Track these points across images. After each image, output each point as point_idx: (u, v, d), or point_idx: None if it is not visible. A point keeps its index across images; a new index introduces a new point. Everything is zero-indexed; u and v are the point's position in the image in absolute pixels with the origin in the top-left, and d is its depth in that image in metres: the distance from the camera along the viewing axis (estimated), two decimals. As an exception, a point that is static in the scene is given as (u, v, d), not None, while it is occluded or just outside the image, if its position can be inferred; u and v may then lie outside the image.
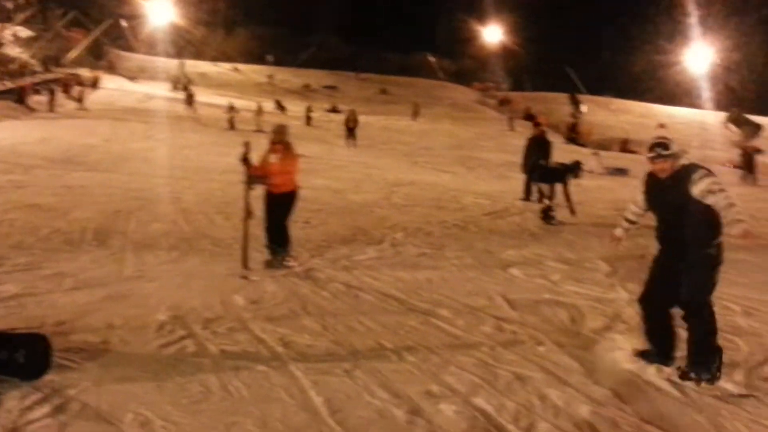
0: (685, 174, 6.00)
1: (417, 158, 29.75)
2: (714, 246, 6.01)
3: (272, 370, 6.01)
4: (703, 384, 5.89)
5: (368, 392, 5.63)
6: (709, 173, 5.96)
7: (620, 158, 37.14)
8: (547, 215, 14.62)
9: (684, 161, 6.11)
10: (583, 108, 60.61)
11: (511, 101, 71.67)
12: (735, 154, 37.97)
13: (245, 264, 9.47)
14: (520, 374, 6.07)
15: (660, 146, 6.09)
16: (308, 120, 46.35)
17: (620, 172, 28.62)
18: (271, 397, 5.46)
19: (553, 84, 76.65)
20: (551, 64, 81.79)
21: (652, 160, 6.14)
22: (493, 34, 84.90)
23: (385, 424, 5.06)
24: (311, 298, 8.39)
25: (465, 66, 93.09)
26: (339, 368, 6.13)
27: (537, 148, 16.61)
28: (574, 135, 52.87)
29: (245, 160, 9.47)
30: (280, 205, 9.79)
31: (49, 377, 5.57)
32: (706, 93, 65.48)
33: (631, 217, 6.81)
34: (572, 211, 15.06)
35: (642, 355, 6.49)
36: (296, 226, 11.21)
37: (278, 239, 9.85)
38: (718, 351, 6.06)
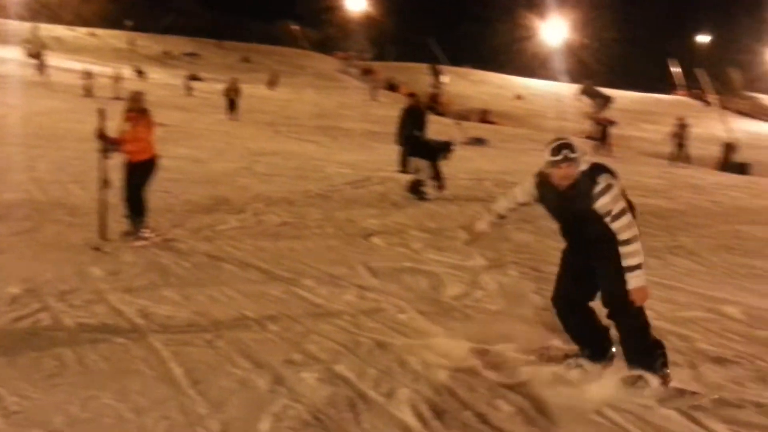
0: (586, 184, 5.16)
1: (280, 127, 29.53)
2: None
3: (131, 342, 5.90)
4: (654, 385, 5.21)
5: (230, 362, 5.60)
6: (611, 183, 5.14)
7: (480, 128, 37.91)
8: (417, 190, 14.39)
9: (584, 166, 5.21)
10: (444, 78, 61.40)
11: (373, 71, 71.89)
12: (588, 125, 39.38)
13: (102, 235, 9.23)
14: (381, 341, 6.16)
15: (566, 147, 5.13)
16: (189, 90, 45.13)
17: (480, 142, 29.22)
18: (130, 370, 5.36)
19: (415, 54, 77.34)
20: (413, 34, 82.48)
21: (557, 164, 5.14)
22: (355, 3, 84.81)
23: (247, 394, 5.05)
24: (172, 269, 8.26)
25: (328, 35, 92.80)
26: (200, 339, 6.07)
27: (411, 120, 16.62)
28: (435, 105, 53.54)
29: (100, 131, 9.20)
30: (136, 174, 9.51)
31: None
32: (561, 66, 67.64)
33: (502, 212, 5.92)
34: (441, 188, 14.80)
35: (575, 359, 5.71)
36: (156, 196, 10.97)
37: (136, 209, 9.58)
38: (657, 345, 5.43)
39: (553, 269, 8.99)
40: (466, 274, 8.71)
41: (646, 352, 5.33)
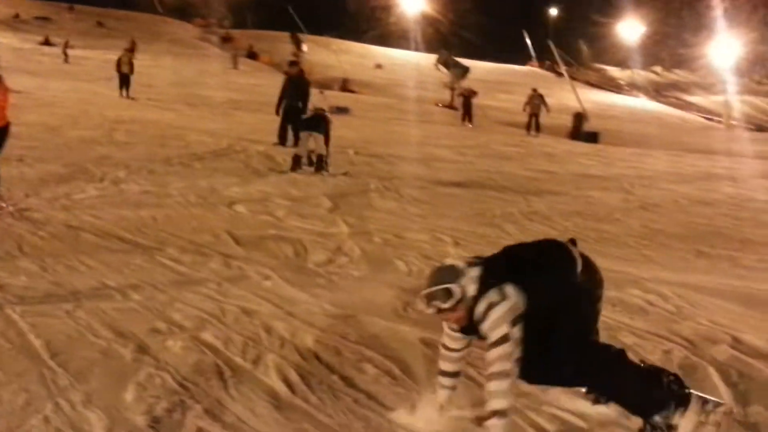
0: (478, 316, 3.90)
1: (138, 95, 28.75)
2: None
3: (-14, 314, 5.71)
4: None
5: (92, 332, 5.48)
6: (492, 302, 3.84)
7: (342, 97, 37.98)
8: (297, 163, 14.06)
9: (471, 290, 3.89)
10: (305, 47, 61.12)
11: (233, 38, 70.79)
12: (447, 95, 40.04)
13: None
14: (246, 308, 6.16)
15: (435, 298, 3.91)
16: (65, 57, 43.16)
17: (342, 111, 29.25)
18: (-14, 342, 5.19)
19: (275, 22, 76.51)
20: (273, 1, 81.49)
21: (438, 314, 4.02)
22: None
23: (110, 364, 4.96)
24: (27, 239, 7.99)
25: (186, 1, 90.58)
26: (60, 309, 5.91)
27: (293, 89, 16.22)
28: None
29: None
30: None
31: None
32: (419, 36, 68.41)
33: (449, 368, 4.32)
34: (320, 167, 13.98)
35: None
36: (8, 164, 10.59)
37: None
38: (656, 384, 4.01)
39: (413, 236, 9.27)
40: (330, 240, 8.80)
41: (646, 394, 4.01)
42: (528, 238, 9.27)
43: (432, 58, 52.98)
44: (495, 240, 9.22)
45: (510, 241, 7.73)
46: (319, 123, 14.26)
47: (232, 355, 5.19)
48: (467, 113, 31.58)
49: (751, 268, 8.62)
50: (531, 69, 77.20)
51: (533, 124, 29.83)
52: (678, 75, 73.38)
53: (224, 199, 10.76)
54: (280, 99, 15.81)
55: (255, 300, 6.42)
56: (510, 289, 3.87)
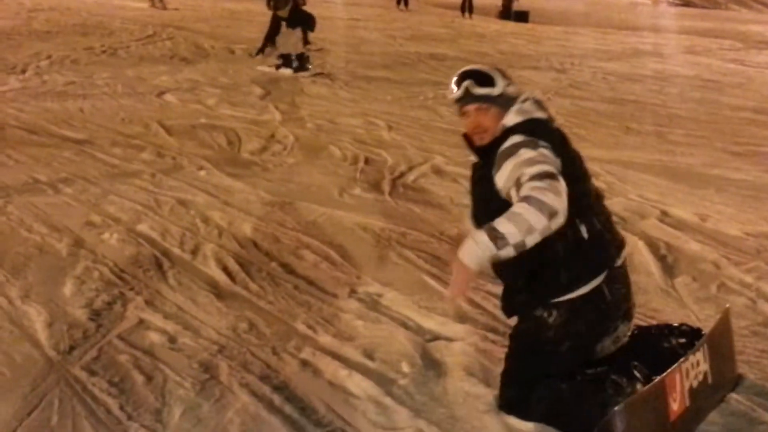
0: (498, 144, 3.05)
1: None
2: (544, 306, 3.12)
3: None
4: None
5: (25, 228, 5.42)
6: (520, 143, 2.97)
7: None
8: (287, 62, 12.59)
9: (514, 117, 3.13)
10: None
11: None
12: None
13: None
14: (182, 199, 6.13)
15: (472, 77, 3.19)
16: None
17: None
18: None
19: None
20: None
21: (459, 105, 3.25)
22: None
23: (46, 259, 4.93)
24: (-52, 135, 7.80)
25: None
26: (-9, 206, 5.83)
27: None
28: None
29: None
30: None
31: None
32: None
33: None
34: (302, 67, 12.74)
35: None
36: None
37: None
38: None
39: (347, 121, 9.25)
40: (262, 128, 8.74)
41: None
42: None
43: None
44: (428, 123, 9.26)
45: (443, 125, 7.79)
46: (309, 18, 13.02)
47: (170, 246, 5.19)
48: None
49: (678, 143, 8.82)
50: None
51: (467, 6, 29.51)
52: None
53: (153, 89, 10.56)
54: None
55: (190, 190, 6.39)
56: (549, 152, 2.97)
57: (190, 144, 7.92)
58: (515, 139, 2.99)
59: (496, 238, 2.75)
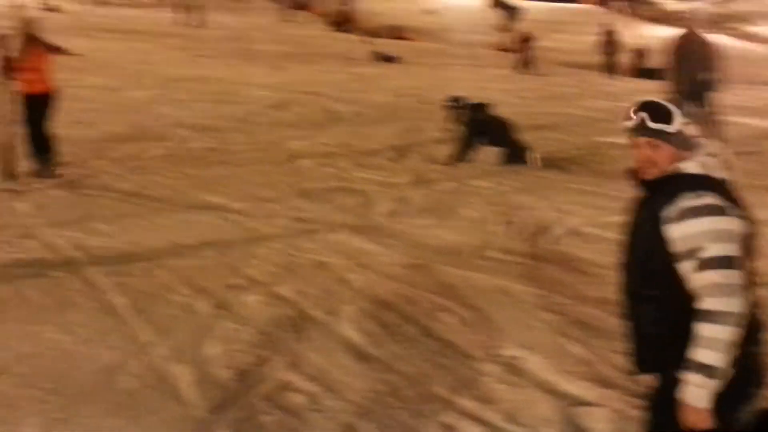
0: (671, 189, 2.78)
1: (192, 52, 28.83)
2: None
3: (68, 274, 5.86)
4: None
5: (170, 290, 5.62)
6: (708, 205, 2.69)
7: (391, 45, 37.64)
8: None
9: (690, 164, 2.83)
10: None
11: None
12: (503, 38, 39.35)
13: (11, 173, 8.93)
14: (319, 261, 6.24)
15: (649, 109, 2.90)
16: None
17: (390, 59, 28.85)
18: (71, 303, 5.35)
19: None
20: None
21: (631, 136, 2.94)
22: None
23: (191, 320, 5.09)
24: (99, 200, 8.16)
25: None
26: (137, 268, 6.06)
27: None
28: (342, 23, 52.87)
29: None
30: (34, 108, 8.96)
31: None
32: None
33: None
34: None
35: None
36: (71, 127, 10.75)
37: (40, 146, 9.05)
38: None
39: (476, 183, 9.24)
40: (393, 190, 8.82)
41: None
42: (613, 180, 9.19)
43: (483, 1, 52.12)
44: (561, 183, 9.16)
45: (575, 186, 7.61)
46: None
47: (309, 308, 5.27)
48: (525, 58, 30.90)
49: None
50: (585, 7, 75.59)
51: (610, 66, 28.81)
52: (738, 5, 71.39)
53: (287, 153, 10.81)
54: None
55: (326, 253, 6.50)
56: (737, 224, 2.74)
57: (324, 207, 8.06)
58: (704, 198, 2.72)
59: (711, 373, 2.63)
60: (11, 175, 8.85)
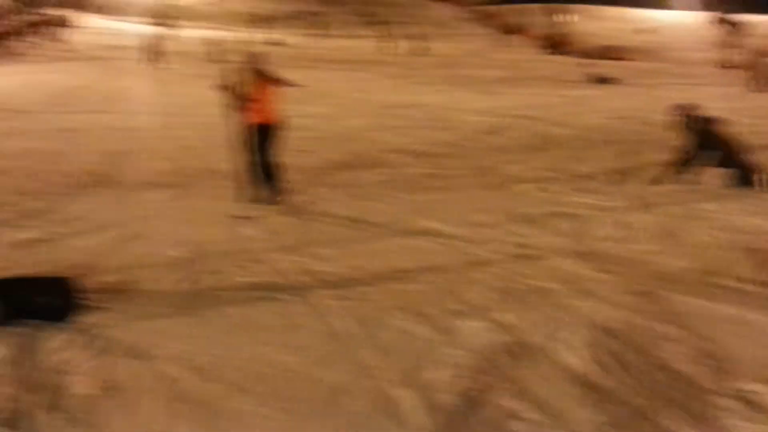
0: None
1: (405, 79, 29.51)
2: None
3: (295, 299, 6.07)
4: None
5: (391, 314, 5.69)
6: None
7: (606, 66, 36.86)
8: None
9: None
10: (566, 17, 59.90)
11: (495, 15, 70.70)
12: (733, 55, 37.52)
13: (245, 198, 9.43)
14: (539, 287, 6.16)
15: None
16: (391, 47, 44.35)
17: (608, 81, 28.24)
18: (298, 325, 5.53)
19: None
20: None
21: None
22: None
23: (411, 344, 5.14)
24: (320, 226, 8.43)
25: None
26: (359, 292, 6.19)
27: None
28: (555, 46, 52.35)
29: (226, 86, 9.36)
30: (263, 137, 9.46)
31: (81, 319, 5.63)
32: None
33: None
34: None
35: None
36: (293, 155, 11.20)
37: (268, 173, 9.54)
38: None
39: (703, 206, 8.84)
40: (612, 214, 8.59)
41: None
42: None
43: (704, 16, 50.07)
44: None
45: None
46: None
47: (530, 334, 5.20)
48: (758, 74, 29.09)
49: None
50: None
51: None
52: None
53: (503, 178, 10.79)
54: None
55: (546, 278, 6.40)
56: None
57: (542, 232, 7.97)
58: None
59: None
60: (243, 202, 9.35)
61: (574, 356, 4.78)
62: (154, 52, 32.18)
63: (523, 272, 6.59)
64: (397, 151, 13.16)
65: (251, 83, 9.39)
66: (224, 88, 9.38)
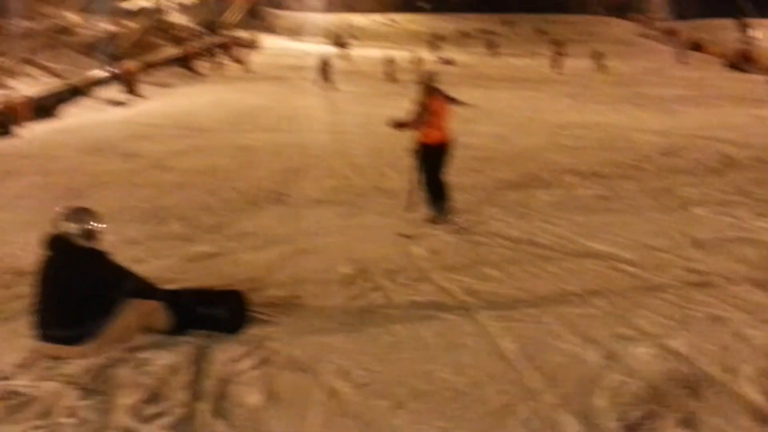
0: None
1: (580, 98, 28.96)
2: None
3: (460, 318, 6.07)
4: None
5: (558, 337, 5.60)
6: None
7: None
8: None
9: None
10: (756, 33, 57.24)
11: (676, 32, 68.50)
12: None
13: (413, 217, 9.51)
14: (715, 315, 5.89)
15: None
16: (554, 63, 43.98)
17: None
18: (463, 345, 5.52)
19: (716, 9, 72.34)
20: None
21: None
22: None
23: (579, 369, 5.03)
24: (488, 246, 8.38)
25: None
26: (526, 314, 6.12)
27: None
28: (740, 62, 50.02)
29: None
30: (433, 156, 9.45)
31: (249, 331, 5.84)
32: None
33: None
34: None
35: None
36: (464, 175, 11.21)
37: (436, 193, 9.51)
38: None
39: None
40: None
41: None
42: None
43: None
44: None
45: None
46: None
47: (704, 364, 4.99)
48: None
49: None
50: None
51: None
52: None
53: (679, 201, 10.40)
54: None
55: (723, 306, 6.12)
56: None
57: (720, 258, 7.62)
58: None
59: None
60: (410, 221, 9.44)
61: (752, 389, 4.54)
62: (325, 72, 33.04)
63: (697, 299, 6.32)
64: (569, 172, 12.93)
65: (424, 102, 9.46)
66: (417, 103, 9.46)
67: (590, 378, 4.86)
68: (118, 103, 29.06)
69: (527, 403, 4.52)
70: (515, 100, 28.80)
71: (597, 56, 44.54)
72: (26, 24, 38.40)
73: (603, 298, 6.46)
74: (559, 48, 47.08)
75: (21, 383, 5.04)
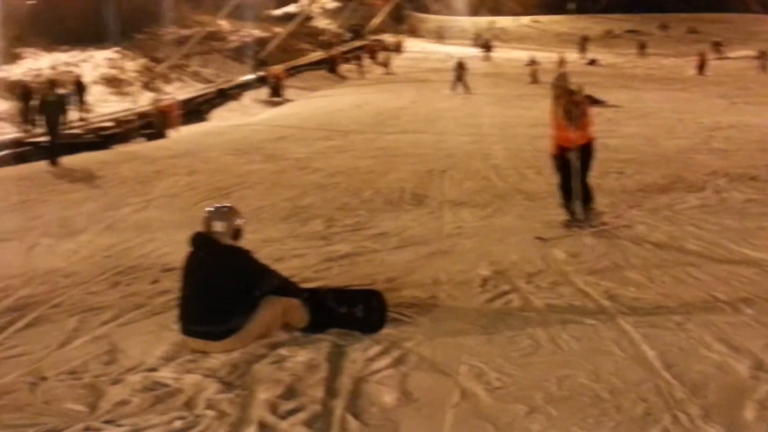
0: None
1: (734, 99, 27.78)
2: None
3: (600, 323, 5.90)
4: None
5: (704, 346, 5.37)
6: None
7: None
8: None
9: None
10: None
11: None
12: None
13: (555, 219, 9.34)
14: None
15: None
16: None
17: None
18: (602, 351, 5.36)
19: None
20: None
21: None
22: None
23: (726, 379, 4.80)
24: (632, 250, 8.14)
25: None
26: (669, 321, 5.90)
27: None
28: None
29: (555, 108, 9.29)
30: (578, 158, 9.16)
31: (386, 331, 5.86)
32: None
33: None
34: None
35: None
36: (609, 177, 10.95)
37: (582, 194, 9.25)
38: None
39: None
40: None
41: None
42: None
43: None
44: None
45: None
46: None
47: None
48: None
49: None
50: None
51: None
52: None
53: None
54: None
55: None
56: None
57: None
58: None
59: None
60: (552, 223, 9.31)
61: None
62: (460, 75, 32.95)
63: None
64: (720, 175, 12.43)
65: (567, 104, 9.28)
66: (554, 105, 9.31)
67: (738, 389, 4.63)
68: (264, 106, 29.90)
69: (669, 413, 4.34)
70: (663, 101, 27.93)
71: (762, 55, 42.46)
72: (180, 31, 40.02)
73: (754, 307, 6.15)
74: (714, 48, 45.35)
75: (166, 375, 5.21)
